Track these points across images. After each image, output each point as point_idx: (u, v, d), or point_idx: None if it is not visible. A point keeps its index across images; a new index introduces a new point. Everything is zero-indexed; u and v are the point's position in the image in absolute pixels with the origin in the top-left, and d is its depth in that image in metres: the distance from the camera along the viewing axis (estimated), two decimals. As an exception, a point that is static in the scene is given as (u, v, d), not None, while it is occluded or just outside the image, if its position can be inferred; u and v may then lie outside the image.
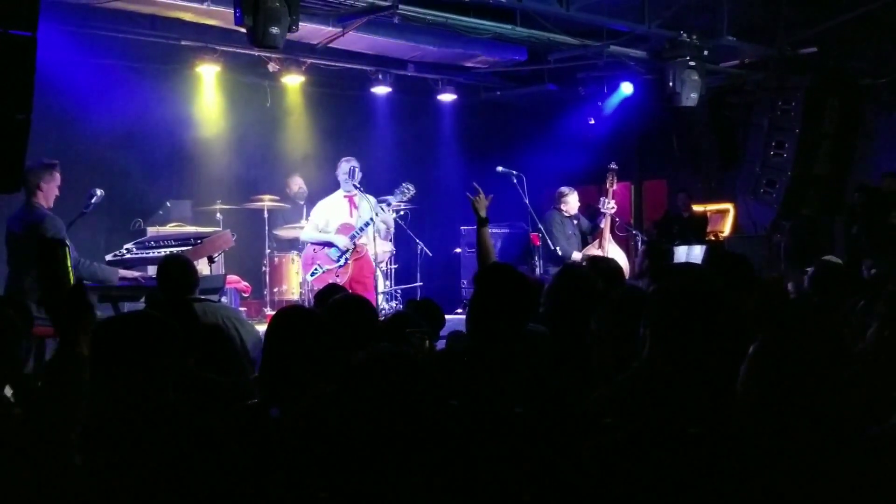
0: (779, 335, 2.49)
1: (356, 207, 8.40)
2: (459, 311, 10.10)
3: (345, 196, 8.44)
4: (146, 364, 2.41)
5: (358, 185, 8.29)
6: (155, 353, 2.43)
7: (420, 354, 3.44)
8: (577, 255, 9.45)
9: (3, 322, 2.77)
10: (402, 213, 9.15)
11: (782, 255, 10.39)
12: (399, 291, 9.47)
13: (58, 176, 6.56)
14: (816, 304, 4.68)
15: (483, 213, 5.47)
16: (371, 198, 8.41)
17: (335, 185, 8.56)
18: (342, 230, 8.30)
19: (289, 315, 3.16)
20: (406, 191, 8.46)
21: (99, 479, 2.33)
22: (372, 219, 8.19)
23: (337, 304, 3.71)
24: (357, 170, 8.34)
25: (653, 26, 9.04)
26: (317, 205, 8.63)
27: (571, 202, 9.76)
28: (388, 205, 8.49)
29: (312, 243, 8.41)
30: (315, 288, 7.63)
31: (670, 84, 9.51)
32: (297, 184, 9.97)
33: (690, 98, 9.61)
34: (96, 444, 2.39)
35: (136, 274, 6.74)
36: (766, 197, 11.02)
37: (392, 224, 8.79)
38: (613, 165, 9.91)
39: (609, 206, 9.61)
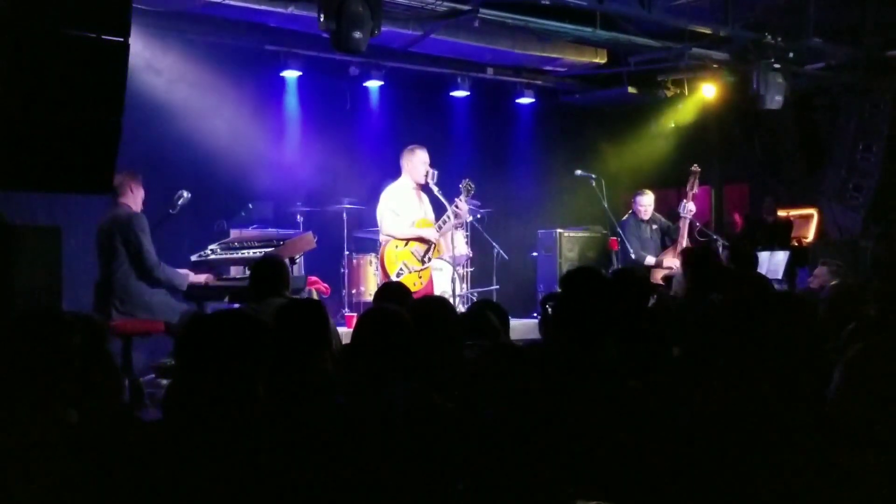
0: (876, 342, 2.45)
1: (420, 200, 8.20)
2: (535, 314, 10.07)
3: (413, 189, 8.18)
4: (236, 360, 2.44)
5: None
6: (246, 349, 2.46)
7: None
8: (650, 260, 9.48)
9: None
10: (479, 216, 9.12)
11: (869, 263, 10.14)
12: (475, 294, 9.47)
13: (134, 184, 6.75)
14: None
15: None
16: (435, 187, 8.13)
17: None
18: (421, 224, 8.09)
19: (381, 314, 3.18)
20: (468, 187, 8.13)
21: (183, 469, 2.37)
22: (450, 206, 7.97)
23: (419, 305, 3.73)
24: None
25: (736, 27, 8.91)
26: (391, 196, 8.19)
27: (645, 204, 9.72)
28: (459, 194, 8.12)
29: (399, 237, 8.06)
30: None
31: (754, 86, 9.39)
32: None
33: (775, 101, 9.46)
34: (182, 438, 2.44)
35: (202, 278, 6.87)
36: (852, 201, 10.78)
37: (466, 212, 8.26)
38: (695, 167, 9.73)
39: (688, 209, 9.49)
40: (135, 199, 6.70)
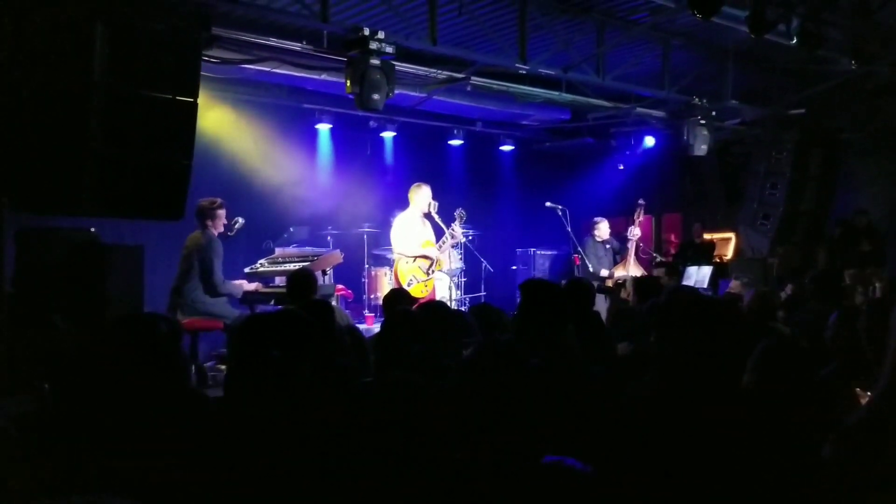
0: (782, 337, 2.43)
1: (424, 226, 8.07)
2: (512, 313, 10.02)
3: (419, 217, 7.98)
4: (283, 347, 2.40)
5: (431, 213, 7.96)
6: (297, 340, 2.42)
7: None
8: (604, 272, 9.38)
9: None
10: (470, 237, 9.10)
11: (774, 275, 10.17)
12: (467, 299, 9.45)
13: (221, 213, 6.65)
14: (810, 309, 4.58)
15: None
16: (436, 216, 8.02)
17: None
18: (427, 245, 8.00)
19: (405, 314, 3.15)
20: (461, 215, 8.03)
21: (239, 435, 2.31)
22: (448, 230, 7.88)
23: (424, 308, 3.71)
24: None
25: (671, 92, 8.93)
26: (402, 222, 7.98)
27: (602, 229, 9.64)
28: (454, 221, 8.01)
29: (408, 255, 7.87)
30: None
31: (685, 138, 9.42)
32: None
33: (701, 149, 9.49)
34: (240, 411, 2.40)
35: (253, 286, 6.83)
36: (762, 228, 10.80)
37: (460, 235, 8.17)
38: (641, 201, 9.71)
39: (634, 233, 9.49)
40: (215, 225, 6.62)
